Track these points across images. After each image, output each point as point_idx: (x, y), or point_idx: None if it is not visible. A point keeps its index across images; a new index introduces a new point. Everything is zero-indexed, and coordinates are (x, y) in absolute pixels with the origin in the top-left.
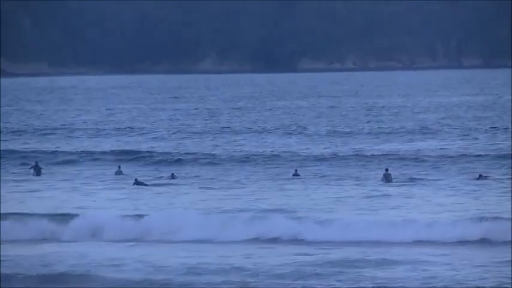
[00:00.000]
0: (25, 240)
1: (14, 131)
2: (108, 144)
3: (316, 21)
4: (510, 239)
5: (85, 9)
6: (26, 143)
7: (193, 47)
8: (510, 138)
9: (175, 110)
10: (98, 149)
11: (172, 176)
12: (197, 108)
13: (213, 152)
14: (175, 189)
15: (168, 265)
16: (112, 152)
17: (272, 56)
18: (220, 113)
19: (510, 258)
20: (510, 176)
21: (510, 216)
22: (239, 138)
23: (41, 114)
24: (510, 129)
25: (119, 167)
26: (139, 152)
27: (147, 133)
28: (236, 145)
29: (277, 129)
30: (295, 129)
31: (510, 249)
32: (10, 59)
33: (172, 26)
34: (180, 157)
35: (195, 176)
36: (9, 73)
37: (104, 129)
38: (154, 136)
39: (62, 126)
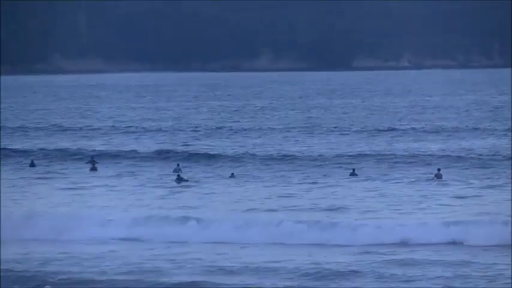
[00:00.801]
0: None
1: (59, 127)
2: (166, 142)
3: (372, 19)
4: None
5: (140, 9)
6: (75, 140)
7: (249, 44)
8: None
9: (227, 107)
10: (154, 147)
11: (232, 175)
12: (259, 107)
13: (269, 151)
14: (223, 187)
15: None
16: (171, 150)
17: (327, 54)
18: (272, 110)
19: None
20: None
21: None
22: (292, 136)
23: (89, 111)
24: None
25: (178, 164)
26: (197, 150)
27: (200, 131)
28: (291, 144)
29: (324, 127)
30: (348, 128)
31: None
32: (66, 56)
33: (227, 24)
34: (236, 155)
35: (253, 175)
36: (65, 70)
37: (159, 127)
38: (209, 134)
39: (116, 124)
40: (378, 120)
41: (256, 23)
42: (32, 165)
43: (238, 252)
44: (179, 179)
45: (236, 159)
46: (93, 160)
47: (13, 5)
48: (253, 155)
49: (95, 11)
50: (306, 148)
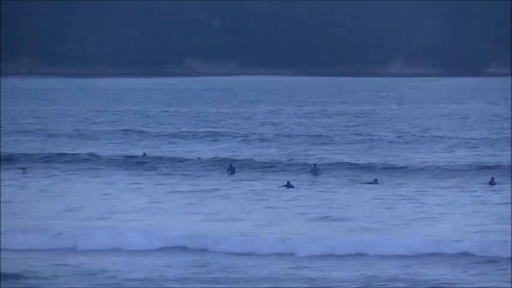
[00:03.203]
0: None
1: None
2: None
3: (506, 23)
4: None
5: (276, 11)
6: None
7: (380, 49)
8: None
9: (357, 112)
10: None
11: (375, 181)
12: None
13: (408, 161)
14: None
15: None
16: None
17: (459, 60)
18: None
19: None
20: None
21: None
22: (421, 146)
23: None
24: None
25: (315, 165)
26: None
27: (339, 142)
28: (417, 152)
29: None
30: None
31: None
32: (200, 58)
33: (357, 28)
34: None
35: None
36: (200, 73)
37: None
38: (348, 144)
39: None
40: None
41: (388, 27)
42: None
43: None
44: (289, 186)
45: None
46: (231, 165)
47: (146, 4)
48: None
49: (228, 12)
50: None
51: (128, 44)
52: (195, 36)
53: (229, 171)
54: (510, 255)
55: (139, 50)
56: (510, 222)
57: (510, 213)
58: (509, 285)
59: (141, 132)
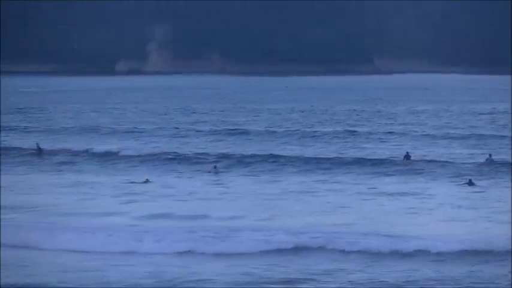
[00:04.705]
0: None
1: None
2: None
3: None
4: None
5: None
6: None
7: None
8: None
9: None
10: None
11: None
12: None
13: None
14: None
15: None
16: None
17: None
18: None
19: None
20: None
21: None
22: None
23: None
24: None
25: (490, 155)
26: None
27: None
28: None
29: None
30: None
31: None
32: (387, 57)
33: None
34: None
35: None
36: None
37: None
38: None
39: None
40: None
41: None
42: None
43: None
44: (470, 183)
45: None
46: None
47: (337, 4)
48: None
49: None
50: None
51: (317, 43)
52: (384, 36)
53: (405, 158)
54: None
55: (328, 48)
56: None
57: None
58: None
59: (306, 132)
